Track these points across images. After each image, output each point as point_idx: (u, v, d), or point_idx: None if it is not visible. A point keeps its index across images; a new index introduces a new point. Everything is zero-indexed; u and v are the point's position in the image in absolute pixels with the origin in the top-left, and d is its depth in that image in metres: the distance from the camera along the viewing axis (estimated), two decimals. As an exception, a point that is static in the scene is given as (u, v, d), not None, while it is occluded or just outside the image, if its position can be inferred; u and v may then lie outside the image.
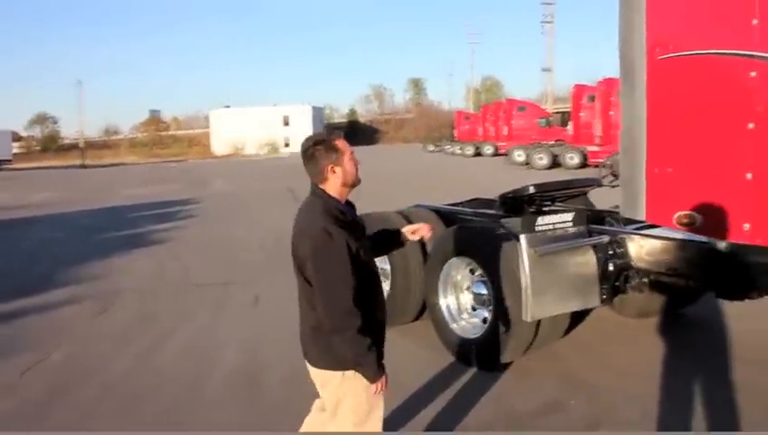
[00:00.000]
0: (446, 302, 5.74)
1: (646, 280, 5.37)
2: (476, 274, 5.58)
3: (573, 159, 30.51)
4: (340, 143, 2.90)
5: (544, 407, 4.69)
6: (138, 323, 7.27)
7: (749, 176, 3.57)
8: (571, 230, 5.21)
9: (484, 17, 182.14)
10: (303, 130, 79.83)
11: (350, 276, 2.71)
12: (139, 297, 8.50)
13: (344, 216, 2.83)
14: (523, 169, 32.11)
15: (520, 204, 6.16)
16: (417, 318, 6.40)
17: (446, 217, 6.66)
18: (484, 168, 33.62)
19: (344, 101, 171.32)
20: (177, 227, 15.30)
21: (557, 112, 53.73)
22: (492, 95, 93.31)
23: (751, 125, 3.53)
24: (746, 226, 3.63)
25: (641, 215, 4.28)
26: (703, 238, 4.65)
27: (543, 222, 5.04)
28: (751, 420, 4.32)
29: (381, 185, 20.73)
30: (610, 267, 5.31)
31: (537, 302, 4.87)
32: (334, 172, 2.86)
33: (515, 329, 5.03)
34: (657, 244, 5.12)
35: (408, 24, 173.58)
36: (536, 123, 44.59)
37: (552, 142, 36.77)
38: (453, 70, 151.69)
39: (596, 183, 6.87)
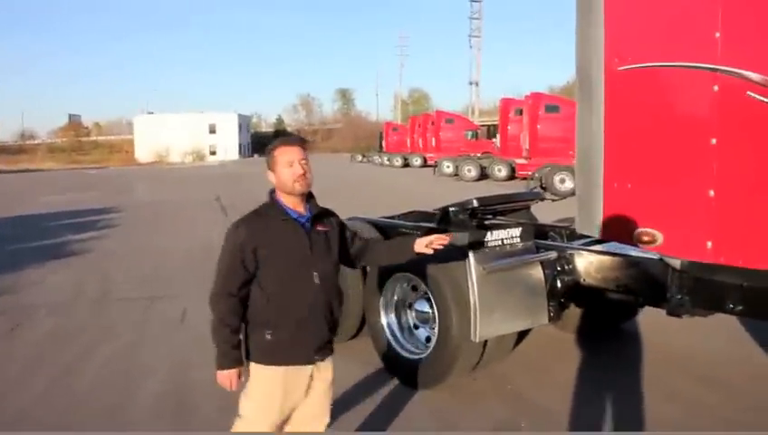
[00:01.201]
0: (388, 320, 5.48)
1: (593, 297, 5.27)
2: (419, 290, 5.35)
3: (501, 171, 30.91)
4: (278, 151, 3.04)
5: (496, 430, 4.47)
6: (52, 342, 6.70)
7: (711, 193, 3.45)
8: (519, 246, 5.03)
9: (412, 30, 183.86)
10: (230, 138, 78.76)
11: (234, 272, 2.96)
12: (54, 313, 7.87)
13: (278, 217, 3.03)
14: (452, 180, 32.33)
15: (462, 217, 5.98)
16: (354, 336, 6.12)
17: (384, 230, 6.40)
18: (414, 179, 33.69)
19: (272, 110, 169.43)
20: (97, 237, 14.53)
21: (483, 125, 54.48)
22: (419, 107, 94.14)
23: (713, 141, 3.41)
24: (709, 244, 3.51)
25: (597, 231, 4.13)
26: (653, 255, 4.57)
27: (492, 237, 4.85)
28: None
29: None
30: (558, 284, 5.18)
31: (486, 321, 4.66)
32: (272, 178, 3.07)
33: (462, 348, 4.81)
34: (606, 260, 5.01)
35: (336, 34, 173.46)
36: (464, 135, 45.13)
37: (480, 155, 37.25)
38: (381, 81, 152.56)
39: (539, 197, 6.76)
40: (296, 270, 3.01)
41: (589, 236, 5.84)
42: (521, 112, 32.51)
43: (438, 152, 43.20)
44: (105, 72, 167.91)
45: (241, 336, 3.03)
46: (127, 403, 5.07)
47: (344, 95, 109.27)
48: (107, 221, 17.64)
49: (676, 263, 4.17)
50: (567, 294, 5.24)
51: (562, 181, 23.00)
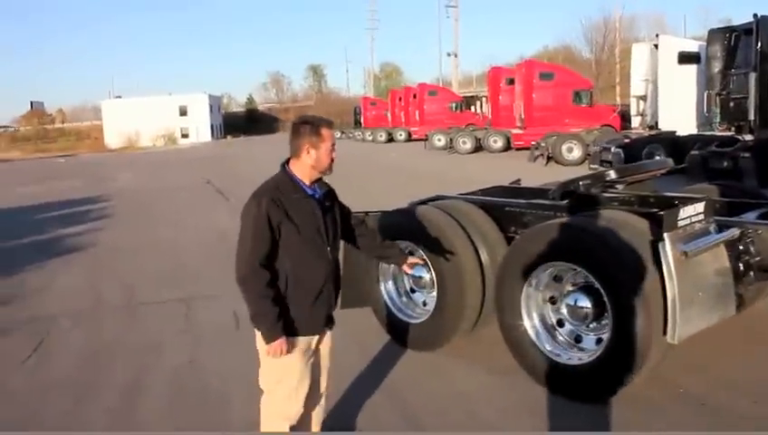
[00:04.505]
0: (532, 322, 4.48)
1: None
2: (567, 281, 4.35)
3: (497, 142, 29.93)
4: (326, 131, 3.16)
5: None
6: (90, 364, 5.55)
7: None
8: (702, 225, 4.05)
9: (380, 3, 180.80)
10: (201, 119, 76.73)
11: (263, 244, 3.02)
12: (77, 326, 6.71)
13: (293, 192, 3.11)
14: (446, 153, 31.28)
15: (596, 191, 5.01)
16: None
17: (490, 210, 5.37)
18: (409, 154, 32.44)
19: (242, 90, 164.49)
20: (93, 230, 13.22)
21: (466, 96, 53.42)
22: (392, 81, 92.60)
23: None
24: None
25: None
26: None
27: (683, 215, 3.86)
28: None
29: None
30: (741, 266, 4.24)
31: (685, 316, 3.70)
32: (309, 153, 3.13)
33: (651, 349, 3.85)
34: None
35: (304, 10, 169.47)
36: (447, 107, 44.11)
37: (469, 126, 36.26)
38: (351, 56, 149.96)
39: (667, 165, 5.77)
40: (313, 247, 3.14)
41: (745, 208, 4.94)
42: (512, 82, 31.55)
43: (423, 125, 42.17)
44: (66, 56, 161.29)
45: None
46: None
47: (315, 71, 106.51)
48: (98, 212, 16.23)
49: None
50: (751, 277, 4.32)
51: (570, 150, 22.07)
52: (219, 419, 4.35)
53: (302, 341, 3.20)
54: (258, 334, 3.18)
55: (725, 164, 14.46)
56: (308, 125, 3.15)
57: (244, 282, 3.05)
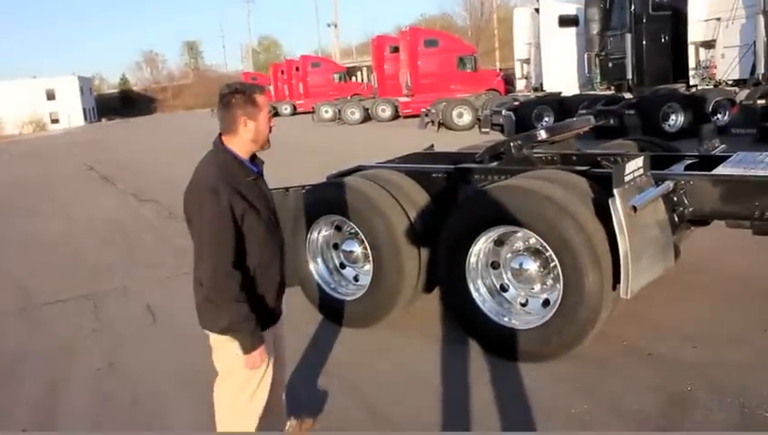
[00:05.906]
0: (476, 288, 4.38)
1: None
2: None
3: (386, 111, 30.13)
4: (261, 98, 2.81)
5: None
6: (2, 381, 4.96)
7: None
8: (642, 180, 4.08)
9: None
10: (72, 103, 72.41)
11: (231, 243, 2.64)
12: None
13: (243, 174, 2.78)
14: (335, 125, 31.06)
15: (527, 152, 4.97)
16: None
17: (415, 176, 5.23)
18: (299, 127, 31.86)
19: (114, 70, 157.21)
20: (-32, 228, 12.09)
21: (349, 67, 53.19)
22: (271, 55, 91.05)
23: None
24: None
25: None
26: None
27: (628, 171, 3.85)
28: None
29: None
30: (676, 217, 4.32)
31: (636, 270, 3.72)
32: (246, 126, 2.77)
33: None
34: (737, 185, 4.22)
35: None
36: (332, 78, 43.81)
37: (356, 97, 36.16)
38: (226, 31, 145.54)
39: (589, 123, 5.83)
40: (272, 232, 2.87)
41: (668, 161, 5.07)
42: (396, 50, 31.70)
43: (308, 98, 41.84)
44: None
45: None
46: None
47: (191, 48, 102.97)
48: (-32, 208, 14.89)
49: None
50: (683, 227, 4.43)
51: (460, 115, 22.41)
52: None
53: (267, 335, 2.85)
54: (219, 348, 2.82)
55: (612, 121, 15.05)
56: (239, 94, 2.74)
57: (214, 287, 2.63)
